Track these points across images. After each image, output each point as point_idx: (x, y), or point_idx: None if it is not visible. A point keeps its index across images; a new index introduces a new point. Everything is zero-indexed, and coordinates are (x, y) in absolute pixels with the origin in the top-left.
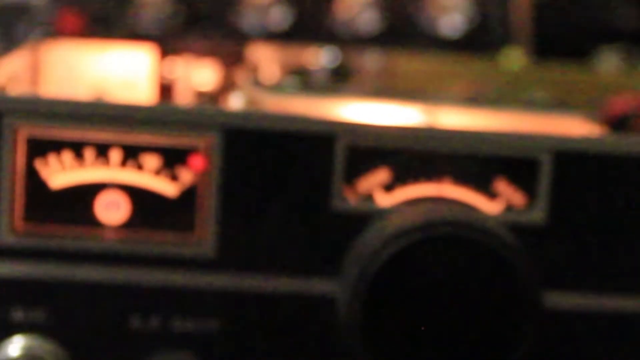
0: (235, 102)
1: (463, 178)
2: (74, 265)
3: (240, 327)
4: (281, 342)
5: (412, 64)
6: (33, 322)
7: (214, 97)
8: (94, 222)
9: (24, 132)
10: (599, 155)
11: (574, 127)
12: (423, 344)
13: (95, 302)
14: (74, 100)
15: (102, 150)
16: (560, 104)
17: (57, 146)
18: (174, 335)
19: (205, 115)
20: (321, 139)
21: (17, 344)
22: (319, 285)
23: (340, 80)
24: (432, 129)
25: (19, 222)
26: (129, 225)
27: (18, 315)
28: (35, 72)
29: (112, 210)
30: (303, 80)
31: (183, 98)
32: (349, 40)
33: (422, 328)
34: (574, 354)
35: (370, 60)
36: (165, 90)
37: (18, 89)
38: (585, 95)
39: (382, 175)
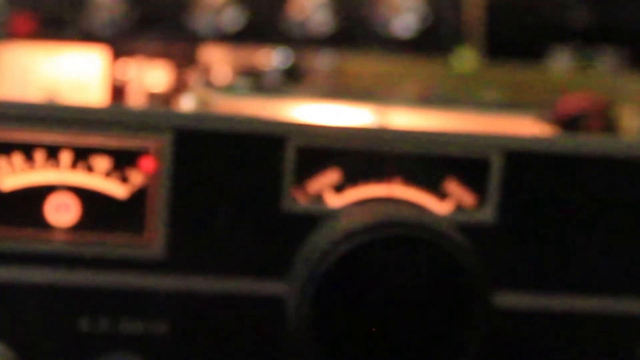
0: (186, 103)
1: (413, 178)
2: (23, 267)
3: (190, 328)
4: (231, 344)
5: (364, 65)
6: None
7: (166, 99)
8: (44, 224)
9: None
10: (549, 155)
11: (525, 127)
12: (373, 345)
13: (45, 304)
14: (24, 102)
15: (52, 152)
16: (512, 104)
17: (7, 148)
18: (123, 337)
19: (155, 116)
20: (272, 140)
21: None
22: (269, 287)
23: (292, 81)
24: (383, 130)
25: None
26: (79, 227)
27: None
28: None
29: (62, 212)
30: (255, 82)
31: (135, 99)
32: (301, 41)
33: (372, 329)
34: (524, 354)
35: (323, 61)
36: (118, 91)
37: None
38: (538, 95)
39: (332, 176)
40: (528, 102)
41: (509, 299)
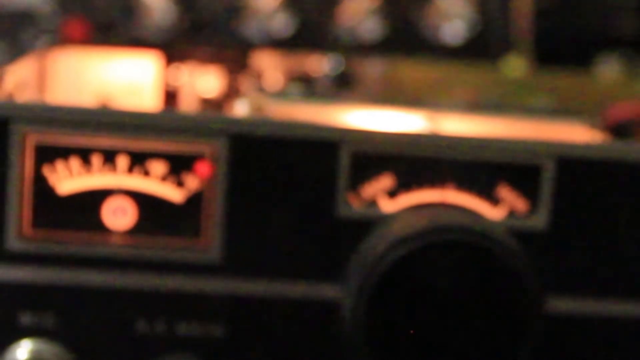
0: (240, 108)
1: (466, 184)
2: (81, 270)
3: (245, 332)
4: (286, 348)
5: (414, 71)
6: (41, 327)
7: (218, 104)
8: (101, 228)
9: (32, 139)
10: (601, 162)
11: (576, 133)
12: (427, 349)
13: (102, 306)
14: (81, 107)
15: (109, 157)
16: (562, 111)
17: (64, 153)
18: (179, 339)
19: (211, 121)
20: (326, 146)
21: (25, 348)
22: (324, 291)
23: (343, 88)
24: (436, 136)
25: (27, 228)
26: (135, 230)
27: (26, 319)
28: (42, 79)
29: (119, 216)
30: (307, 88)
31: (187, 105)
32: (351, 48)
33: (425, 334)
34: (578, 359)
35: (373, 68)
36: (170, 97)
37: (25, 96)
38: (586, 102)
39: (386, 181)
40: (576, 108)
41: (560, 305)
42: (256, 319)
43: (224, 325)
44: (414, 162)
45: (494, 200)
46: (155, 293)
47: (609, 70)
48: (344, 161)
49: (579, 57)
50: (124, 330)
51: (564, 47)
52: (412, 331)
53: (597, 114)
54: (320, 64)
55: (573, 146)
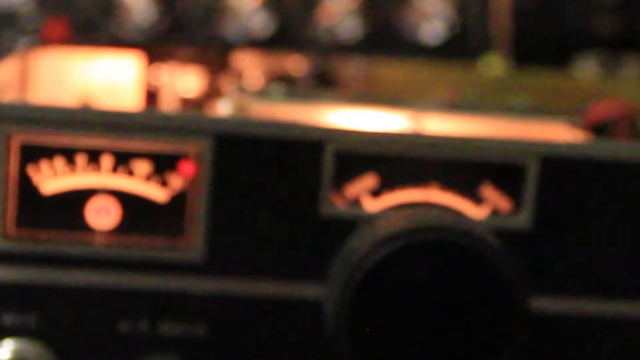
0: (222, 108)
1: (450, 183)
2: (64, 269)
3: (228, 331)
4: (268, 347)
5: (394, 71)
6: (23, 326)
7: (198, 104)
8: (84, 228)
9: (17, 139)
10: (585, 161)
11: (557, 133)
12: (410, 348)
13: (85, 306)
14: (66, 107)
15: (93, 156)
16: (542, 110)
17: (49, 152)
18: (161, 339)
19: (195, 121)
20: (310, 145)
21: (7, 348)
22: (307, 290)
23: (323, 87)
24: (420, 135)
25: (11, 228)
26: (119, 230)
27: (9, 319)
28: (23, 79)
29: (102, 215)
30: (288, 87)
31: (168, 105)
32: (331, 48)
33: (409, 333)
34: (561, 359)
35: (353, 68)
36: (151, 97)
37: (8, 96)
38: (564, 101)
39: (369, 180)
40: (554, 108)
41: (544, 304)
42: (239, 318)
43: (206, 325)
44: (398, 161)
45: (477, 200)
46: (138, 292)
47: (587, 69)
48: (328, 161)
49: (557, 56)
50: (107, 329)
51: (542, 46)
52: (395, 331)
53: (575, 113)
54: (301, 64)
55: (557, 146)
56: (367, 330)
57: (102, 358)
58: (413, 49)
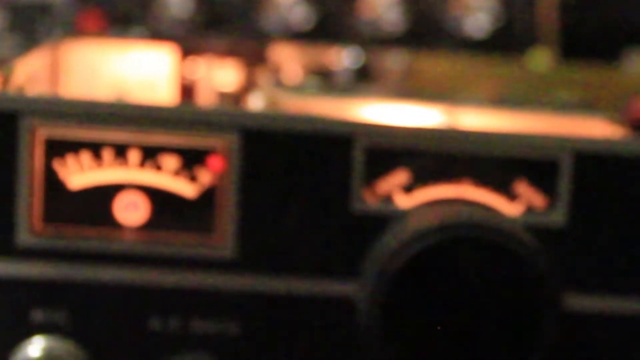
0: (255, 102)
1: (483, 179)
2: (93, 266)
3: (260, 329)
4: (301, 344)
5: (436, 65)
6: (53, 323)
7: (235, 98)
8: (112, 223)
9: (42, 133)
10: (619, 157)
11: (597, 128)
12: (443, 346)
13: (115, 303)
14: (91, 100)
15: (120, 151)
16: (586, 105)
17: (75, 147)
18: (193, 337)
19: (223, 116)
20: (340, 140)
21: (37, 345)
22: (339, 287)
23: (363, 81)
24: (451, 130)
25: (37, 223)
26: (148, 226)
27: (38, 316)
28: (55, 71)
29: (131, 211)
30: (325, 81)
31: (204, 98)
32: (372, 41)
33: (442, 330)
34: (595, 356)
35: (394, 61)
36: (187, 90)
37: (37, 89)
38: (612, 96)
39: (401, 176)
40: (602, 103)
41: (579, 302)
42: (271, 316)
43: (238, 323)
44: (430, 157)
45: (511, 196)
46: (169, 290)
47: (636, 64)
48: (359, 156)
49: (605, 51)
50: (137, 327)
51: (589, 40)
52: (440, 330)
53: (621, 109)
54: (340, 57)
55: (591, 141)
56: (401, 327)
57: (133, 356)
58: (457, 43)
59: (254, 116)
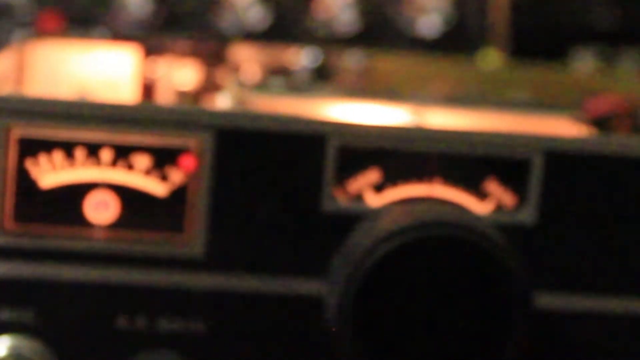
0: (222, 102)
1: (453, 178)
2: (62, 265)
3: (228, 327)
4: (269, 343)
5: (392, 64)
6: (20, 322)
7: (195, 97)
8: (82, 222)
9: (16, 132)
10: (590, 156)
11: (560, 127)
12: (413, 345)
13: (83, 301)
14: (66, 99)
15: (92, 150)
16: (541, 104)
17: (48, 146)
18: (160, 335)
19: (197, 115)
20: (312, 140)
21: (3, 344)
22: (308, 286)
23: (321, 80)
24: (423, 130)
25: (8, 222)
26: (118, 225)
27: (5, 315)
28: (19, 72)
29: (101, 210)
30: (286, 80)
31: (164, 98)
32: (328, 40)
33: (412, 329)
34: (564, 355)
35: (351, 60)
36: (147, 90)
37: (5, 89)
38: (562, 95)
39: (372, 175)
40: (552, 101)
41: (548, 301)
42: (239, 314)
43: (206, 321)
44: (401, 156)
45: (481, 195)
46: (137, 288)
47: (584, 63)
48: (330, 155)
49: (554, 50)
50: (105, 325)
51: (539, 40)
52: (398, 327)
53: (575, 107)
54: (298, 57)
55: (562, 140)
56: (371, 327)
57: (100, 354)
58: (410, 42)
59: (228, 115)
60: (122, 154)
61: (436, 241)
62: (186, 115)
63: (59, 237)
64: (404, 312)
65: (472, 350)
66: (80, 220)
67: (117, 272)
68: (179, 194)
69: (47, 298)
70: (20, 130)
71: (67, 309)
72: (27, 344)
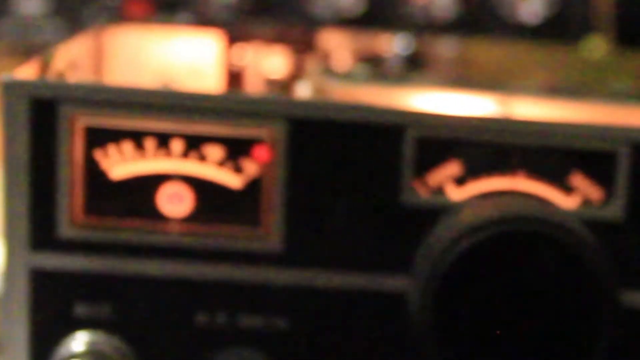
0: (302, 90)
1: (537, 171)
2: (136, 259)
3: (309, 324)
4: (350, 340)
5: (489, 52)
6: (97, 318)
7: (283, 85)
8: (156, 215)
9: (81, 121)
10: None
11: None
12: (496, 342)
13: (160, 297)
14: (133, 87)
15: (163, 141)
16: None
17: (116, 136)
18: (241, 332)
19: (270, 104)
20: (390, 130)
21: (80, 340)
22: (389, 282)
23: (414, 68)
24: (505, 120)
25: (78, 215)
26: (192, 218)
27: (81, 310)
28: (98, 58)
29: (175, 202)
30: (375, 68)
31: (252, 86)
32: (423, 27)
33: (495, 326)
34: None
35: (446, 48)
36: (234, 77)
37: (79, 76)
38: None
39: (453, 168)
40: None
41: (636, 298)
42: (319, 311)
43: (286, 318)
44: (483, 147)
45: (567, 189)
46: (215, 283)
47: None
48: (409, 146)
49: None
50: (183, 322)
51: None
52: (481, 324)
53: None
54: (391, 44)
55: None
56: (452, 323)
57: (179, 351)
58: (510, 29)
59: (302, 105)
60: (194, 144)
61: (520, 237)
62: (259, 105)
63: (131, 230)
64: (487, 309)
65: (558, 350)
66: (153, 213)
67: (193, 267)
68: (254, 186)
69: (123, 293)
70: (86, 119)
71: (145, 304)
72: (104, 340)
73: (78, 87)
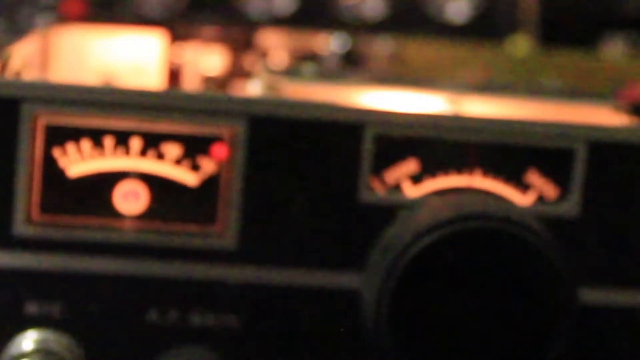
0: (253, 88)
1: (494, 169)
2: (90, 257)
3: (262, 322)
4: (304, 338)
5: (421, 50)
6: (47, 316)
7: (221, 83)
8: (112, 213)
9: (43, 120)
10: (635, 146)
11: (600, 115)
12: (453, 340)
13: (112, 295)
14: (95, 86)
15: (122, 139)
16: (576, 92)
17: (76, 134)
18: (192, 329)
19: (229, 102)
20: (349, 128)
21: (30, 339)
22: (345, 280)
23: (350, 66)
24: (463, 118)
25: (35, 213)
26: (148, 215)
27: (32, 308)
28: (44, 57)
29: (130, 200)
30: (317, 67)
31: (190, 83)
32: (356, 26)
33: (453, 323)
34: (608, 351)
35: (380, 46)
36: (173, 75)
37: (30, 75)
38: (592, 82)
39: (410, 165)
40: (582, 89)
41: (591, 295)
42: (273, 308)
43: (239, 315)
44: (440, 145)
45: (522, 186)
46: (168, 281)
47: (614, 50)
48: (368, 144)
49: (585, 37)
50: (135, 320)
51: (570, 27)
52: (437, 321)
53: (605, 94)
54: (326, 43)
55: (605, 129)
56: (409, 321)
57: (130, 349)
58: (439, 28)
59: (261, 103)
60: (152, 142)
61: (477, 234)
62: (218, 103)
63: (87, 228)
64: (443, 307)
65: (514, 346)
66: (109, 210)
67: (147, 265)
68: (210, 184)
69: (75, 291)
70: (47, 118)
71: (96, 303)
72: (54, 338)
73: (40, 87)
